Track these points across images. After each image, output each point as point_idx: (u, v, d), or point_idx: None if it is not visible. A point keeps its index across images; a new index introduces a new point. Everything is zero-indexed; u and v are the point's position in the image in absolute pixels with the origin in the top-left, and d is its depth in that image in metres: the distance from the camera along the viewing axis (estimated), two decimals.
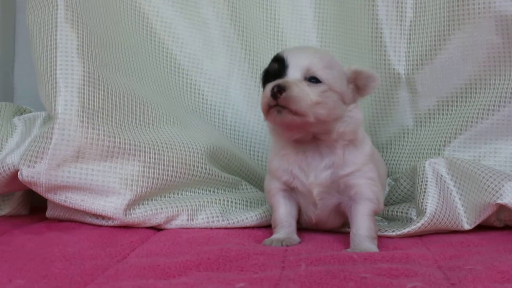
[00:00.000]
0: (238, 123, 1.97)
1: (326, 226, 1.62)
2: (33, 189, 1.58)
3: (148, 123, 1.70)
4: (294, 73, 1.40)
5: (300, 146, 1.49)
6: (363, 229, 1.45)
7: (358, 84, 1.48)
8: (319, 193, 1.51)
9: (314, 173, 1.49)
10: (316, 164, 1.49)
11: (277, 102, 1.37)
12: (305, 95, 1.37)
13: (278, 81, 1.38)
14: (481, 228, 1.63)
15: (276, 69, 1.43)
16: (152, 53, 1.88)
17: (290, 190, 1.55)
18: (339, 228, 1.63)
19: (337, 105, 1.43)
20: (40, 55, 1.62)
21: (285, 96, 1.36)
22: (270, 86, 1.38)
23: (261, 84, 1.49)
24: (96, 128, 1.57)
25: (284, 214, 1.55)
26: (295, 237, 1.52)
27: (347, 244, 1.47)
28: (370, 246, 1.42)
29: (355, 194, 1.49)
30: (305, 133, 1.46)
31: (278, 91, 1.35)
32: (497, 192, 1.57)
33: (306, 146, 1.49)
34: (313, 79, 1.40)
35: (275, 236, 1.52)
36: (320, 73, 1.40)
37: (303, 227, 1.63)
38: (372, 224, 1.47)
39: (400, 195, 1.81)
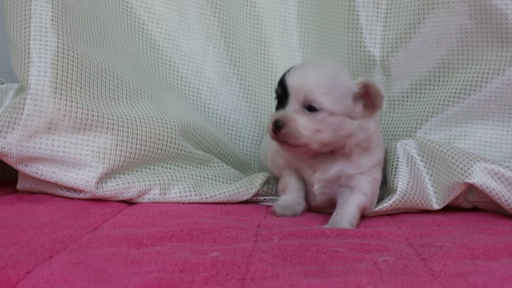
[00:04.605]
0: (213, 101, 1.96)
1: (323, 211, 1.62)
2: (4, 160, 1.56)
3: (122, 97, 1.69)
4: (293, 104, 1.43)
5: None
6: (348, 214, 1.47)
7: (368, 99, 1.45)
8: (319, 188, 1.54)
9: (322, 169, 1.52)
10: (328, 164, 1.51)
11: (278, 137, 1.43)
12: (302, 129, 1.41)
13: (278, 115, 1.43)
14: (450, 209, 1.65)
15: (280, 94, 1.47)
16: (127, 27, 1.86)
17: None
18: None
19: (343, 125, 1.43)
20: (14, 25, 1.59)
21: (283, 133, 1.42)
22: (273, 118, 1.44)
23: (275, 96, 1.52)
24: (69, 100, 1.55)
25: (295, 180, 1.58)
26: (302, 202, 1.57)
27: (320, 221, 1.49)
28: (347, 227, 1.43)
29: (354, 186, 1.52)
30: (315, 153, 1.48)
31: (277, 128, 1.41)
32: (465, 172, 1.58)
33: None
34: (311, 107, 1.41)
35: (284, 197, 1.57)
36: (317, 102, 1.41)
37: None
38: (358, 215, 1.49)
39: None
